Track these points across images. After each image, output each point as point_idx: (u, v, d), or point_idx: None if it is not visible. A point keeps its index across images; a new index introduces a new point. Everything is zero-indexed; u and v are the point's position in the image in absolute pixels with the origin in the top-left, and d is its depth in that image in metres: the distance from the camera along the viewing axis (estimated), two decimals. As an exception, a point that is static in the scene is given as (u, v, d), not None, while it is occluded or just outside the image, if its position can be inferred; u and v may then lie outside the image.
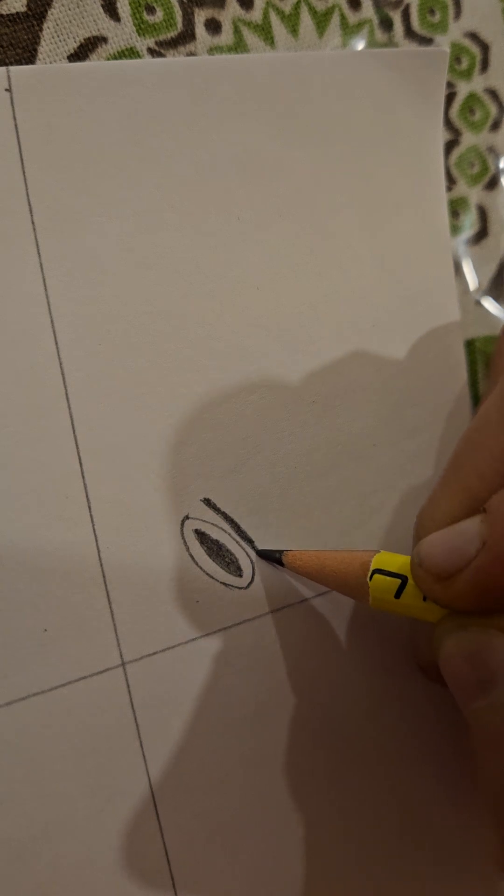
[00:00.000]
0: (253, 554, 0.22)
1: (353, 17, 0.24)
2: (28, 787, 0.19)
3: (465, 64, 0.26)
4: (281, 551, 0.22)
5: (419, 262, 0.25)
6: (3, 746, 0.19)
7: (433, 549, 0.18)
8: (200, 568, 0.21)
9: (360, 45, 0.25)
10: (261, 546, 0.22)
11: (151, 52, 0.22)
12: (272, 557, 0.22)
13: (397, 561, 0.19)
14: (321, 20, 0.24)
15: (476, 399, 0.26)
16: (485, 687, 0.17)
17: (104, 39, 0.21)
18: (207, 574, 0.21)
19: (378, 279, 0.24)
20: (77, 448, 0.20)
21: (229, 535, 0.22)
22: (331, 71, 0.23)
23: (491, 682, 0.17)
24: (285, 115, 0.22)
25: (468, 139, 0.27)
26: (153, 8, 0.22)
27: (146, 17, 0.22)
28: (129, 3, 0.21)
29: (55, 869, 0.20)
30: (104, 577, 0.20)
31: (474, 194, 0.27)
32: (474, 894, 0.25)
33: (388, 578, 0.19)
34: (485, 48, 0.27)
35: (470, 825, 0.25)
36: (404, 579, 0.19)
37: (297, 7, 0.24)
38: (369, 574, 0.19)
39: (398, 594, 0.19)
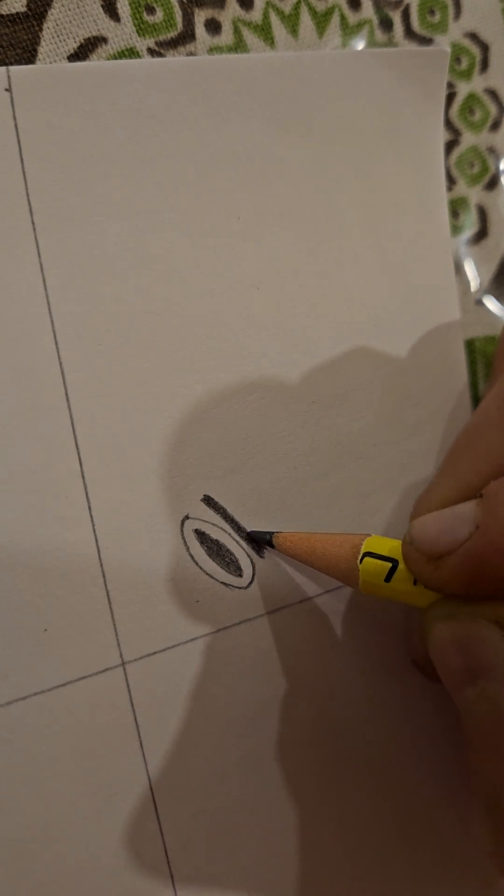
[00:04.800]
0: (253, 554, 0.22)
1: (353, 18, 0.24)
2: (28, 787, 0.19)
3: (464, 64, 0.26)
4: (271, 533, 0.22)
5: (419, 262, 0.25)
6: (3, 746, 0.19)
7: (425, 529, 0.18)
8: (200, 568, 0.21)
9: (360, 45, 0.25)
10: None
11: (151, 52, 0.22)
12: (262, 539, 0.22)
13: (388, 544, 0.19)
14: (321, 20, 0.24)
15: (476, 399, 0.26)
16: (474, 675, 0.17)
17: (104, 39, 0.21)
18: (207, 574, 0.21)
19: (378, 279, 0.24)
20: (77, 448, 0.20)
21: (229, 534, 0.22)
22: (331, 71, 0.23)
23: (480, 671, 0.17)
24: (285, 115, 0.22)
25: (468, 139, 0.27)
26: (153, 8, 0.22)
27: (146, 17, 0.22)
28: (129, 4, 0.21)
29: (55, 869, 0.20)
30: (104, 577, 0.20)
31: (474, 194, 0.27)
32: (473, 893, 0.25)
33: (378, 562, 0.19)
34: (485, 48, 0.27)
35: (469, 824, 0.25)
36: (395, 563, 0.19)
37: (297, 7, 0.24)
38: (360, 557, 0.19)
39: (388, 578, 0.19)
